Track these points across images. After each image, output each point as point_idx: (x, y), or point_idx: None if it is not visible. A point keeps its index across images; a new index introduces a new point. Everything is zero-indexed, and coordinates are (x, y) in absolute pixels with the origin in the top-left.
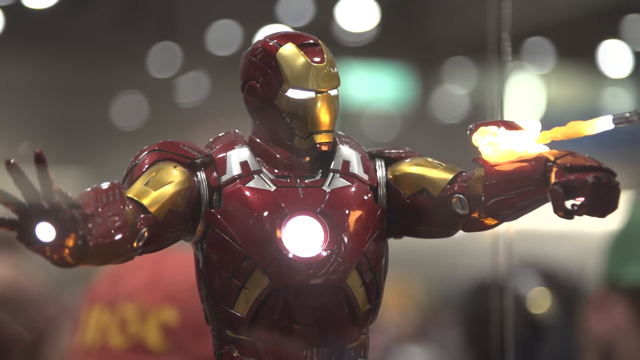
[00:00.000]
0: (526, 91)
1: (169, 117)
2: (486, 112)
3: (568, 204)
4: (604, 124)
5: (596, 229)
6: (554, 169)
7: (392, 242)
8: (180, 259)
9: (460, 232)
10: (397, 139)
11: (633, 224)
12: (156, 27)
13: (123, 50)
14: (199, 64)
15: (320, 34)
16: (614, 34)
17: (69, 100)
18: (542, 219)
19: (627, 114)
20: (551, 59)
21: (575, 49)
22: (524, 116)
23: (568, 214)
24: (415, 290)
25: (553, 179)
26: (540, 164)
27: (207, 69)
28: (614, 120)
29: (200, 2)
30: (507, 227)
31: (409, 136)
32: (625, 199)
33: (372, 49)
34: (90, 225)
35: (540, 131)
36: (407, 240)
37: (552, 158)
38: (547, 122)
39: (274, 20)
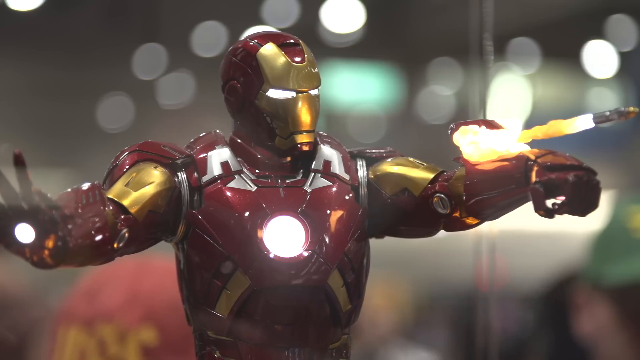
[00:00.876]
0: (512, 92)
1: (154, 118)
2: (469, 113)
3: (549, 202)
4: (584, 122)
5: (579, 228)
6: (535, 168)
7: (377, 243)
8: (158, 271)
9: (445, 233)
10: (383, 140)
11: (615, 223)
12: (141, 29)
13: (108, 52)
14: (185, 65)
15: (306, 35)
16: (599, 34)
17: (54, 103)
18: (525, 219)
19: (607, 113)
20: (536, 60)
21: (561, 50)
22: (509, 117)
23: (549, 213)
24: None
25: (534, 178)
26: (521, 163)
27: (192, 70)
28: (594, 119)
29: (185, 4)
30: (490, 227)
31: (395, 137)
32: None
33: (358, 50)
34: (70, 226)
35: (521, 130)
36: (392, 241)
37: (532, 157)
38: (533, 123)
39: (259, 21)
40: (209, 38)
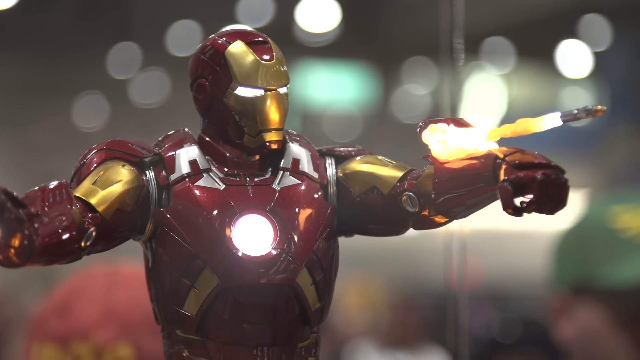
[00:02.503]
0: (487, 91)
1: (129, 117)
2: (441, 113)
3: (517, 201)
4: (552, 120)
5: (551, 228)
6: (503, 166)
7: (352, 242)
8: (131, 281)
9: (418, 233)
10: (359, 139)
11: (595, 224)
12: (115, 28)
13: (82, 51)
14: (159, 64)
15: (281, 34)
16: (572, 34)
17: (27, 102)
18: (496, 218)
19: (575, 111)
20: (511, 59)
21: (535, 49)
22: (485, 116)
23: (517, 211)
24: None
25: (502, 176)
26: (489, 162)
27: (167, 69)
28: (562, 117)
29: (160, 3)
30: (460, 227)
31: (370, 136)
32: (578, 197)
33: (333, 49)
34: (36, 225)
35: (490, 128)
36: (367, 241)
37: (501, 155)
38: (508, 122)
39: (233, 20)
40: (184, 37)
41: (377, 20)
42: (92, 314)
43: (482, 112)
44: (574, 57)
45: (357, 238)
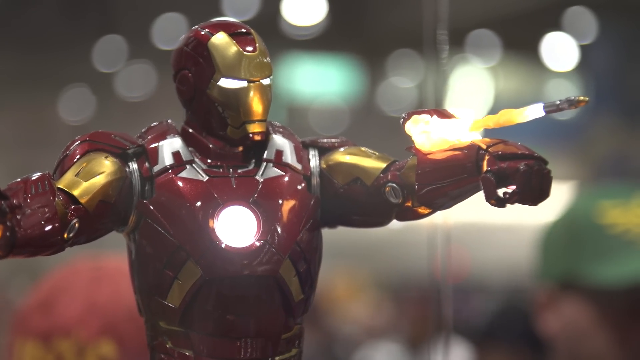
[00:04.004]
0: (473, 84)
1: (115, 110)
2: (426, 105)
3: (500, 192)
4: (535, 111)
5: (536, 220)
6: (486, 157)
7: (340, 235)
8: (115, 276)
9: (407, 225)
10: (345, 132)
11: (583, 219)
12: (101, 21)
13: (68, 43)
14: (145, 57)
15: (267, 27)
16: (558, 26)
17: (13, 95)
18: (480, 211)
19: (558, 102)
20: (497, 52)
21: (520, 42)
22: (470, 108)
23: (500, 202)
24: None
25: (485, 167)
26: (472, 152)
27: (153, 62)
28: (545, 108)
29: None
30: (444, 219)
31: (357, 129)
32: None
33: (319, 42)
34: (18, 217)
35: (473, 119)
36: (354, 234)
37: (484, 146)
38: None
39: (219, 13)
40: (169, 30)
41: (363, 13)
42: (75, 311)
43: (468, 105)
44: (560, 50)
45: (342, 231)
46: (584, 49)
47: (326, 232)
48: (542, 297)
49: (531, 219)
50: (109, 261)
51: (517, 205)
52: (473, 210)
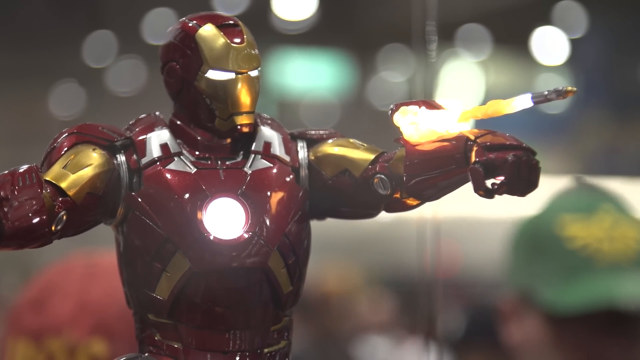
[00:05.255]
0: (463, 78)
1: (106, 105)
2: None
3: (488, 183)
4: (523, 102)
5: (524, 216)
6: (475, 148)
7: (331, 230)
8: (109, 273)
9: (398, 219)
10: (336, 127)
11: (549, 231)
12: (91, 16)
13: (57, 39)
14: (135, 52)
15: (257, 22)
16: (548, 20)
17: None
18: (470, 205)
19: (546, 92)
20: (487, 46)
21: (511, 36)
22: (459, 100)
23: (488, 193)
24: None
25: (473, 158)
26: (460, 143)
27: (143, 57)
28: (533, 99)
29: None
30: (434, 213)
31: (347, 123)
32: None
33: (310, 37)
34: (5, 209)
35: (461, 111)
36: (345, 228)
37: (472, 137)
38: None
39: (209, 8)
40: (159, 25)
41: (354, 7)
42: (66, 310)
43: (459, 99)
44: (550, 44)
45: (332, 225)
46: (574, 43)
47: (315, 227)
48: (506, 306)
49: (521, 213)
50: (103, 258)
51: (505, 196)
52: (462, 204)
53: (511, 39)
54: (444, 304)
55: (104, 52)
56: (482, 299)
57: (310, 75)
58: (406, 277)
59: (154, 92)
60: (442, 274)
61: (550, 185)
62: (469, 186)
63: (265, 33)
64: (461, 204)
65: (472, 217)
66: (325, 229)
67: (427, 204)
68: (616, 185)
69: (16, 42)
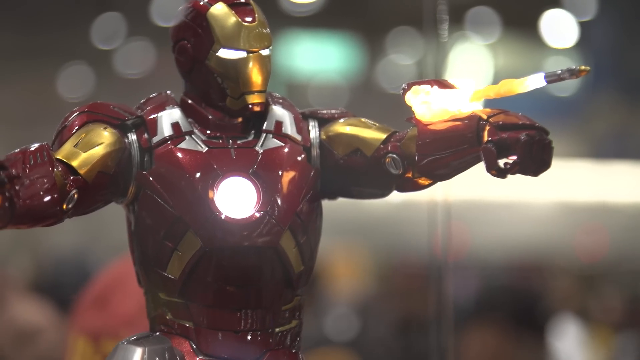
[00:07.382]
0: (472, 61)
1: (115, 87)
2: None
3: (501, 162)
4: (536, 81)
5: (534, 199)
6: (487, 128)
7: (339, 211)
8: None
9: (407, 201)
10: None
11: None
12: None
13: (67, 21)
14: (144, 34)
15: (266, 4)
16: (557, 3)
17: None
18: (481, 188)
19: (559, 72)
20: (496, 29)
21: (520, 19)
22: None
23: (501, 173)
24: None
25: (486, 138)
26: (473, 123)
27: (152, 39)
28: (546, 78)
29: None
30: (445, 196)
31: (356, 106)
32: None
33: (319, 19)
34: (17, 187)
35: (474, 90)
36: (356, 210)
37: (484, 116)
38: None
39: None
40: (168, 6)
41: None
42: (126, 310)
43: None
44: (559, 27)
45: (342, 207)
46: (584, 26)
47: (326, 209)
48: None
49: (532, 196)
50: None
51: (517, 176)
52: (473, 187)
53: (520, 22)
54: (454, 285)
55: (112, 34)
56: (491, 280)
57: (319, 57)
58: (416, 259)
59: (163, 74)
60: (452, 256)
61: (560, 169)
62: (479, 168)
63: (274, 15)
64: (472, 187)
65: (482, 200)
66: (334, 211)
67: (438, 186)
68: (626, 168)
69: (26, 24)
